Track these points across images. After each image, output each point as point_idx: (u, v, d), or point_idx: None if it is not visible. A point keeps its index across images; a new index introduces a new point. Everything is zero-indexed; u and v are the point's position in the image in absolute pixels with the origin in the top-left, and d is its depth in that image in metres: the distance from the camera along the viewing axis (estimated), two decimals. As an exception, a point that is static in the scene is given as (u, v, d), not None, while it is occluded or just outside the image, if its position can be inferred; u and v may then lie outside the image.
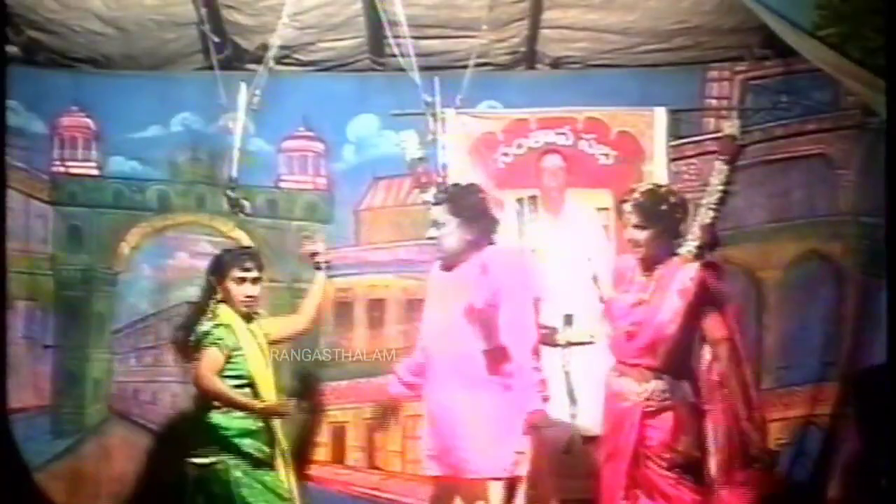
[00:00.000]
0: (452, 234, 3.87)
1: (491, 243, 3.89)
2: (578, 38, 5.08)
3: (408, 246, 5.17)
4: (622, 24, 4.94)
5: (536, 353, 3.81)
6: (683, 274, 3.81)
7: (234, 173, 3.93)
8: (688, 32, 4.96)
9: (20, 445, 4.87)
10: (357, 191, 5.20)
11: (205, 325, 3.89)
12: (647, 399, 3.80)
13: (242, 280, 3.95)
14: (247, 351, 3.88)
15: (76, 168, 5.23)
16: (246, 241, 5.11)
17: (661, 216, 3.82)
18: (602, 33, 5.02)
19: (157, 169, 5.23)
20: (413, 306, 5.10)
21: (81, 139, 5.23)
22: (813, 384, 4.94)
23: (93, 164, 5.23)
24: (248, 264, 3.97)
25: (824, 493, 4.89)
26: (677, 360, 3.82)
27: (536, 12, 4.92)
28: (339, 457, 5.11)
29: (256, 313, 4.01)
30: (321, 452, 5.09)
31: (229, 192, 3.98)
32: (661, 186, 4.03)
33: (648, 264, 3.87)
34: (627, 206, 3.85)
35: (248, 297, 3.95)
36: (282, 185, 5.25)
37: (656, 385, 3.80)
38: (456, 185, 4.10)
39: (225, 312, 3.92)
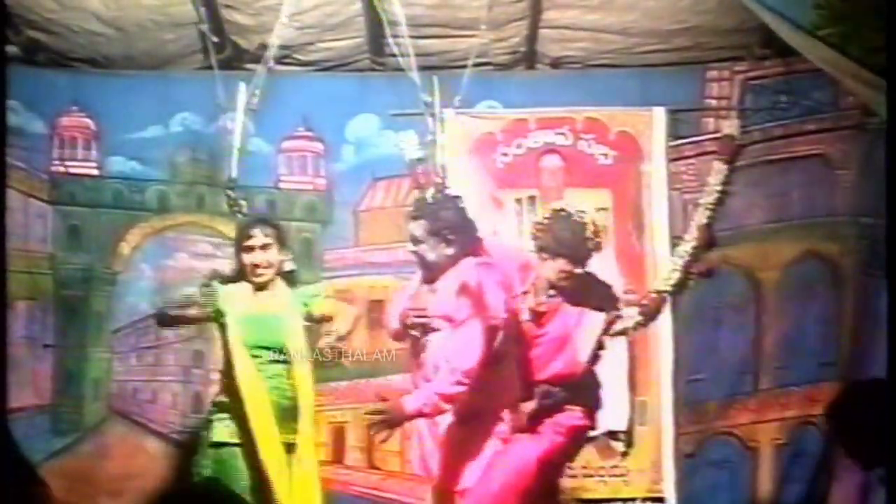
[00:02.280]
0: (432, 249, 3.79)
1: (473, 254, 3.80)
2: (578, 38, 5.07)
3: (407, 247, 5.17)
4: (621, 24, 4.93)
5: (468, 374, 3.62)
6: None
7: (234, 173, 3.93)
8: (687, 32, 4.95)
9: (20, 444, 4.87)
10: (356, 191, 5.20)
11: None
12: None
13: (250, 248, 3.92)
14: (230, 323, 3.84)
15: (76, 168, 5.23)
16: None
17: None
18: (601, 33, 5.01)
19: (156, 169, 5.23)
20: (412, 306, 5.12)
21: (81, 139, 5.23)
22: (811, 384, 4.95)
23: (92, 163, 5.23)
24: (254, 230, 3.93)
25: (823, 494, 4.89)
26: None
27: (536, 12, 4.92)
28: (338, 457, 5.12)
29: (266, 281, 3.91)
30: (321, 452, 5.10)
31: (229, 192, 3.97)
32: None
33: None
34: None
35: (253, 264, 3.90)
36: (281, 185, 5.25)
37: None
38: (434, 198, 3.97)
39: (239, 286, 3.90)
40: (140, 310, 5.18)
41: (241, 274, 3.97)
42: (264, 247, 3.93)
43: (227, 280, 3.98)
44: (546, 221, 3.89)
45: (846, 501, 4.82)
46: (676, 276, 4.94)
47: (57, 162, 5.21)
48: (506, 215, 5.07)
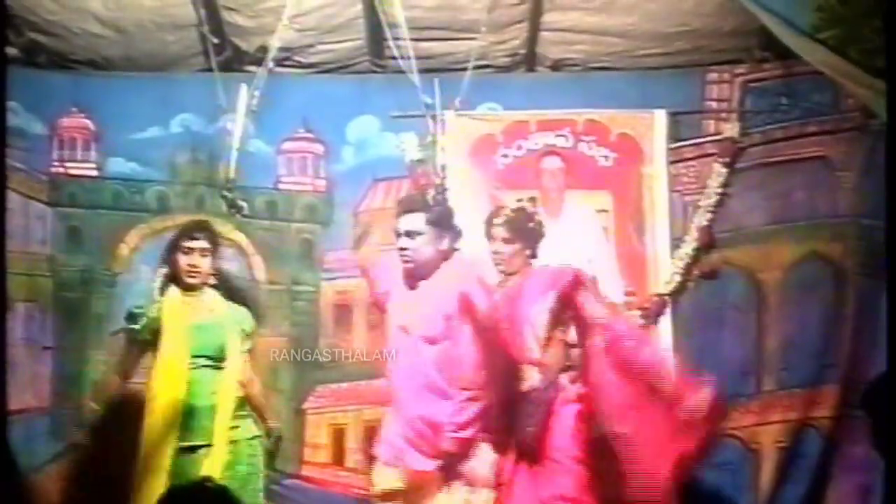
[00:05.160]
0: (428, 244, 3.84)
1: (455, 251, 3.90)
2: (578, 41, 5.07)
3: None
4: (622, 26, 4.93)
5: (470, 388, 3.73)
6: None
7: (233, 174, 3.93)
8: (687, 35, 4.95)
9: (19, 447, 4.86)
10: (357, 192, 5.19)
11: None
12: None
13: (190, 250, 4.03)
14: (166, 326, 3.96)
15: (75, 169, 5.22)
16: (245, 242, 5.13)
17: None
18: (602, 36, 5.01)
19: (156, 170, 5.22)
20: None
21: (81, 140, 5.23)
22: (813, 386, 4.94)
23: (92, 165, 5.22)
24: (196, 234, 4.06)
25: (823, 495, 4.89)
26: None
27: (536, 15, 4.92)
28: (338, 459, 5.11)
29: (199, 285, 4.05)
30: (321, 454, 5.09)
31: (226, 193, 3.98)
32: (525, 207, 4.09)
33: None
34: (497, 221, 3.96)
35: (190, 265, 4.02)
36: (281, 186, 5.24)
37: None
38: (426, 193, 4.06)
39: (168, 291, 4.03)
40: (140, 311, 5.18)
41: (171, 275, 4.07)
42: (203, 252, 4.05)
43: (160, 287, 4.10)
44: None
45: (846, 503, 4.83)
46: (677, 278, 4.94)
47: (57, 163, 5.21)
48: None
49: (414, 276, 3.88)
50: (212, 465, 3.90)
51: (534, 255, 4.01)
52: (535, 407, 3.83)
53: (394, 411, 3.91)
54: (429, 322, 3.80)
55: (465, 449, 3.75)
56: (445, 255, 3.87)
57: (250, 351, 4.19)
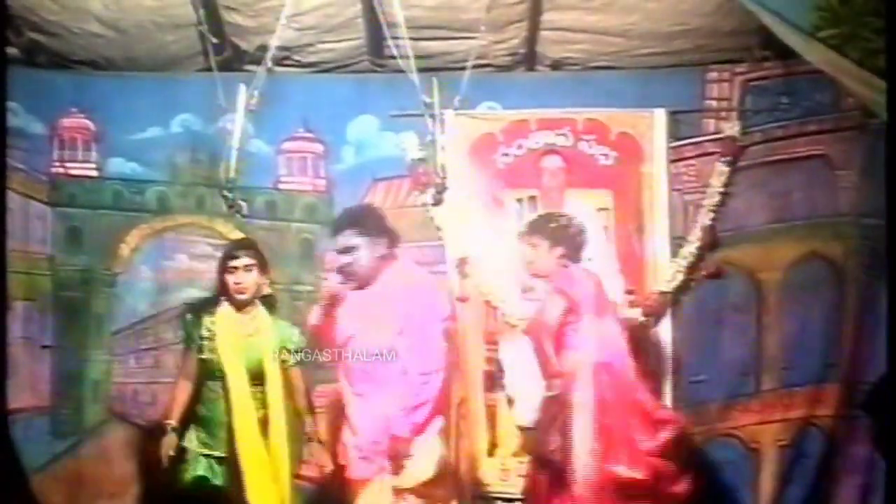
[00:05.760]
0: (365, 255, 4.05)
1: (394, 257, 4.10)
2: (578, 40, 5.07)
3: (407, 248, 5.15)
4: (622, 26, 4.93)
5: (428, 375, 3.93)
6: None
7: (233, 174, 3.93)
8: (688, 34, 4.95)
9: (19, 446, 4.87)
10: (356, 192, 5.19)
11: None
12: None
13: (234, 269, 4.15)
14: (219, 341, 4.08)
15: (76, 169, 5.23)
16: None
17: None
18: (602, 35, 5.01)
19: (156, 170, 5.23)
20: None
21: (81, 140, 5.23)
22: (813, 385, 4.93)
23: (92, 165, 5.23)
24: (237, 252, 4.19)
25: (824, 495, 4.88)
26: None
27: (535, 14, 4.92)
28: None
29: (249, 301, 4.16)
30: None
31: (226, 193, 3.99)
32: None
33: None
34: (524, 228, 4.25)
35: (235, 283, 4.14)
36: (281, 186, 5.25)
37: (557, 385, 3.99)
38: (351, 209, 4.36)
39: (221, 307, 4.15)
40: (139, 311, 5.19)
41: (221, 293, 4.18)
42: (247, 268, 4.16)
43: (204, 305, 4.22)
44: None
45: (847, 502, 4.83)
46: (680, 277, 4.94)
47: (57, 163, 5.22)
48: (506, 215, 5.07)
49: (359, 285, 4.09)
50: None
51: (575, 261, 4.17)
52: (550, 418, 3.95)
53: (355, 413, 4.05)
54: (380, 323, 3.97)
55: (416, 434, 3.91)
56: (386, 259, 4.08)
57: (298, 364, 4.27)
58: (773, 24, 4.03)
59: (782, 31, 4.04)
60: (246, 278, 4.15)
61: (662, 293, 4.92)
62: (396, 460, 3.89)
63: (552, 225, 4.19)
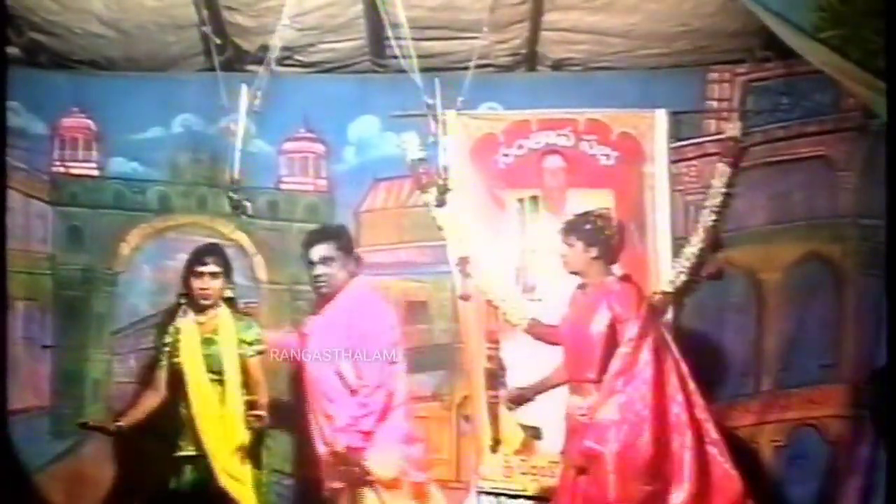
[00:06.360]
0: (342, 268, 4.27)
1: (356, 275, 4.32)
2: (580, 41, 5.07)
3: (408, 248, 5.17)
4: (624, 26, 4.93)
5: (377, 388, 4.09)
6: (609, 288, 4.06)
7: (237, 174, 3.94)
8: (689, 35, 4.95)
9: (20, 446, 4.86)
10: (358, 192, 5.20)
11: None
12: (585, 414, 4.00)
13: (200, 274, 4.29)
14: (183, 345, 4.25)
15: (77, 169, 5.23)
16: (246, 242, 5.14)
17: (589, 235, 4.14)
18: (603, 36, 5.01)
19: (157, 170, 5.23)
20: (414, 308, 5.11)
21: (82, 140, 5.23)
22: (813, 386, 4.94)
23: (93, 164, 5.23)
24: (205, 258, 4.31)
25: (825, 495, 4.89)
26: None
27: (537, 14, 4.92)
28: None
29: (212, 306, 4.30)
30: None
31: (231, 194, 3.99)
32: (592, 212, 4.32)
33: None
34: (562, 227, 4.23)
35: (201, 289, 4.27)
36: (282, 186, 5.25)
37: (594, 399, 3.98)
38: (328, 225, 4.59)
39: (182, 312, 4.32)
40: (140, 311, 5.18)
41: (185, 297, 4.35)
42: (213, 275, 4.30)
43: (171, 313, 4.41)
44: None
45: (847, 503, 4.84)
46: (682, 277, 4.94)
47: (58, 163, 5.21)
48: (508, 216, 5.07)
49: (327, 301, 4.28)
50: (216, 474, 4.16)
51: (611, 262, 4.19)
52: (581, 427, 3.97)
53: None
54: (331, 335, 4.16)
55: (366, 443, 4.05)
56: (350, 276, 4.30)
57: (261, 354, 4.37)
58: (774, 25, 4.03)
59: (783, 32, 4.04)
60: (211, 284, 4.30)
61: (664, 293, 4.92)
62: (351, 468, 4.04)
63: (587, 226, 4.18)
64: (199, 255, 4.36)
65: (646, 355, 3.94)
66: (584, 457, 3.94)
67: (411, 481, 4.16)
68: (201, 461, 4.18)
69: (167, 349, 4.34)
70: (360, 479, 4.07)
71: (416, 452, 4.24)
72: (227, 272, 4.38)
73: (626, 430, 3.86)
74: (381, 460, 4.08)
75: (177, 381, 4.30)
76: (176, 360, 4.30)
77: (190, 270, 4.34)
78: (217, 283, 4.32)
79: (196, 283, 4.31)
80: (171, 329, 4.35)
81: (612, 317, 4.02)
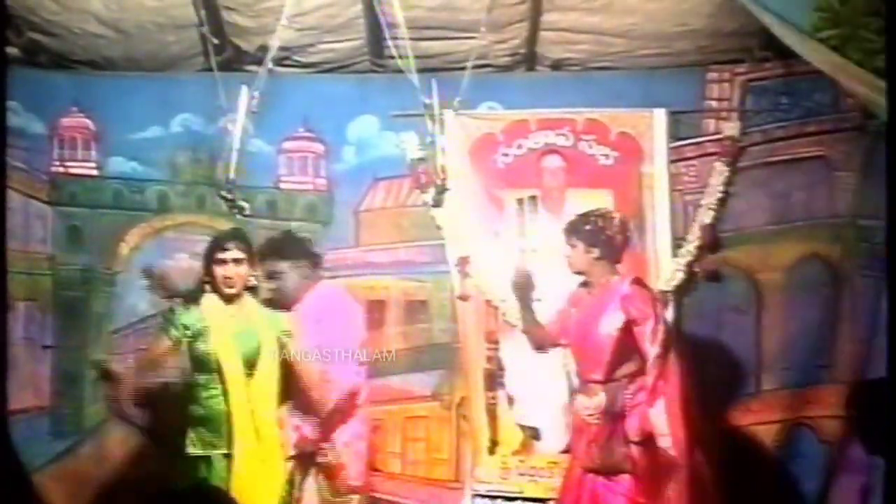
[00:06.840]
0: (290, 279, 4.32)
1: (319, 278, 4.40)
2: (579, 41, 5.07)
3: (408, 247, 5.17)
4: (623, 26, 4.93)
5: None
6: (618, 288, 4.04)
7: (233, 175, 3.94)
8: (688, 35, 4.95)
9: (19, 446, 4.86)
10: (357, 192, 5.20)
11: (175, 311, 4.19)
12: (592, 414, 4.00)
13: (223, 261, 4.08)
14: (213, 334, 4.04)
15: (76, 168, 5.23)
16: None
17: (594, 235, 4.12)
18: (602, 36, 5.01)
19: (156, 169, 5.23)
20: (413, 308, 5.12)
21: (81, 140, 5.23)
22: (812, 386, 4.94)
23: (92, 164, 5.23)
24: (227, 244, 4.10)
25: (823, 495, 4.89)
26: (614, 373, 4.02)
27: (536, 14, 4.92)
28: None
29: (238, 294, 4.12)
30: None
31: (224, 194, 3.99)
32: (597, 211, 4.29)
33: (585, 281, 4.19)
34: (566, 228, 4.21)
35: (225, 277, 4.07)
36: (281, 186, 5.26)
37: (601, 399, 3.98)
38: (272, 237, 4.57)
39: (207, 297, 4.12)
40: (140, 311, 5.18)
41: (209, 285, 4.12)
42: (237, 261, 4.09)
43: (192, 295, 4.22)
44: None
45: (846, 503, 4.83)
46: (680, 276, 4.94)
47: (57, 162, 5.22)
48: (507, 215, 5.07)
49: (287, 305, 4.30)
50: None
51: (615, 262, 4.18)
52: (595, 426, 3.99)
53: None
54: (308, 337, 4.15)
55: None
56: (310, 280, 4.37)
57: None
58: (773, 25, 4.03)
59: (782, 32, 4.03)
60: (236, 271, 4.08)
61: (662, 292, 4.92)
62: (305, 452, 4.16)
63: (587, 227, 4.15)
64: (221, 241, 4.13)
65: (672, 355, 3.95)
66: (657, 463, 3.91)
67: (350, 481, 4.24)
68: (206, 461, 4.05)
69: (189, 334, 4.08)
70: (310, 462, 4.17)
71: (362, 449, 4.32)
72: (251, 259, 4.13)
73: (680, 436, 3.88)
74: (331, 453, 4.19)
75: (197, 369, 4.08)
76: (201, 347, 4.05)
77: (211, 258, 4.10)
78: (242, 270, 4.07)
79: (219, 271, 4.06)
80: (192, 313, 4.10)
81: (628, 320, 3.99)
